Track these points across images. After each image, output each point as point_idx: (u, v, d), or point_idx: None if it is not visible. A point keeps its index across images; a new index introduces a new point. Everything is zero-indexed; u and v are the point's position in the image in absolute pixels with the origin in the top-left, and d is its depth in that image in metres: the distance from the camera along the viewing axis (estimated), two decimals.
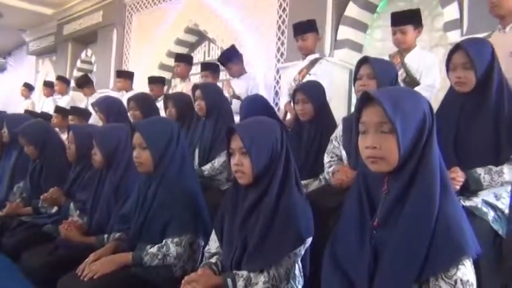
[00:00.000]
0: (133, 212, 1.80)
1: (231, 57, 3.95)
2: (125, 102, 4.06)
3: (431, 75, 2.71)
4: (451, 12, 3.26)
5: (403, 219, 1.03)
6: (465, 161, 1.73)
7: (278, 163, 1.42)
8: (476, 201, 1.68)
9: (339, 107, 3.94)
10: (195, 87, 3.05)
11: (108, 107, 3.69)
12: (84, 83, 5.85)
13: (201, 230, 1.71)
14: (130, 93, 4.94)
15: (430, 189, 1.03)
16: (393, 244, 1.04)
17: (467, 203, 1.68)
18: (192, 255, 1.70)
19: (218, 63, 4.28)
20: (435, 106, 2.06)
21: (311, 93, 2.43)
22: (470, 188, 1.69)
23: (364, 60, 2.07)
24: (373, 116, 1.07)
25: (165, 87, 5.23)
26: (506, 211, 1.69)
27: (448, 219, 1.01)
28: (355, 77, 2.12)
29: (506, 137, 1.70)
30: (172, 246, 1.64)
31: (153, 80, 4.92)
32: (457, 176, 1.66)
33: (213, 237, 1.57)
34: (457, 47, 1.81)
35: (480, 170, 1.70)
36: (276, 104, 4.41)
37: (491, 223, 1.63)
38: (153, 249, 1.64)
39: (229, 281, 1.31)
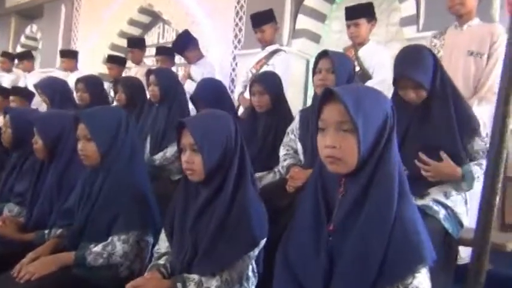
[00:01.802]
0: (77, 207, 1.68)
1: (187, 44, 3.81)
2: (70, 83, 3.85)
3: (383, 70, 2.75)
4: (407, 7, 3.30)
5: (359, 225, 1.00)
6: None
7: (232, 159, 1.35)
8: (427, 200, 1.71)
9: (295, 98, 3.92)
10: (149, 72, 2.94)
11: (52, 88, 3.49)
12: (25, 56, 5.53)
13: (149, 226, 1.62)
14: (76, 74, 4.72)
15: (388, 193, 1.00)
16: (349, 251, 1.00)
17: (419, 202, 1.70)
18: (140, 253, 1.61)
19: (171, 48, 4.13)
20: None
21: (268, 84, 2.38)
22: (465, 181, 1.68)
23: (323, 54, 2.04)
24: (334, 113, 1.02)
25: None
26: (456, 209, 1.72)
27: (405, 225, 0.98)
28: (314, 70, 2.09)
29: None
30: (118, 244, 1.53)
31: (114, 60, 4.71)
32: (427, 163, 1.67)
33: (163, 236, 1.49)
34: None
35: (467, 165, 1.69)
36: (232, 92, 4.33)
37: (443, 221, 1.65)
38: (97, 248, 1.53)
39: (179, 285, 1.24)
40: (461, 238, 1.72)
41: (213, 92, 2.73)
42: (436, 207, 1.68)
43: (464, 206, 1.79)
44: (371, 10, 2.86)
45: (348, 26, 2.86)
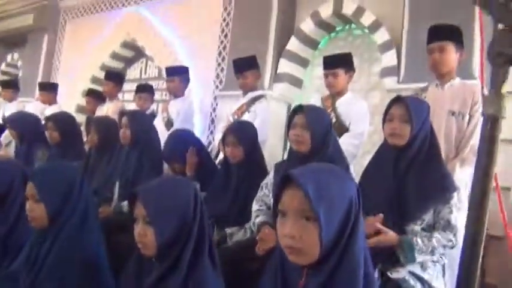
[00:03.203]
0: (23, 271, 1.52)
1: (182, 72, 3.79)
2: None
3: (361, 123, 2.70)
4: (388, 58, 3.28)
5: None
6: (401, 217, 1.67)
7: (189, 234, 1.23)
8: (403, 273, 1.60)
9: (276, 143, 3.84)
10: (122, 113, 2.87)
11: (21, 124, 3.38)
12: (10, 85, 5.38)
13: None
14: (54, 107, 4.61)
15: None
16: None
17: (394, 275, 1.60)
18: None
19: (152, 85, 4.11)
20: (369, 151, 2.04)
21: (242, 135, 2.30)
22: (404, 252, 1.60)
23: (298, 109, 1.97)
24: (295, 200, 0.93)
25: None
26: (433, 284, 1.62)
27: None
28: (289, 124, 2.03)
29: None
30: None
31: (92, 94, 4.62)
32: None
33: None
34: (397, 99, 1.78)
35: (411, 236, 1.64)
36: (212, 132, 4.25)
37: None
38: None
39: None
40: None
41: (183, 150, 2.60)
42: (412, 282, 1.58)
43: (442, 279, 1.69)
44: (349, 61, 2.83)
45: (326, 76, 2.83)
